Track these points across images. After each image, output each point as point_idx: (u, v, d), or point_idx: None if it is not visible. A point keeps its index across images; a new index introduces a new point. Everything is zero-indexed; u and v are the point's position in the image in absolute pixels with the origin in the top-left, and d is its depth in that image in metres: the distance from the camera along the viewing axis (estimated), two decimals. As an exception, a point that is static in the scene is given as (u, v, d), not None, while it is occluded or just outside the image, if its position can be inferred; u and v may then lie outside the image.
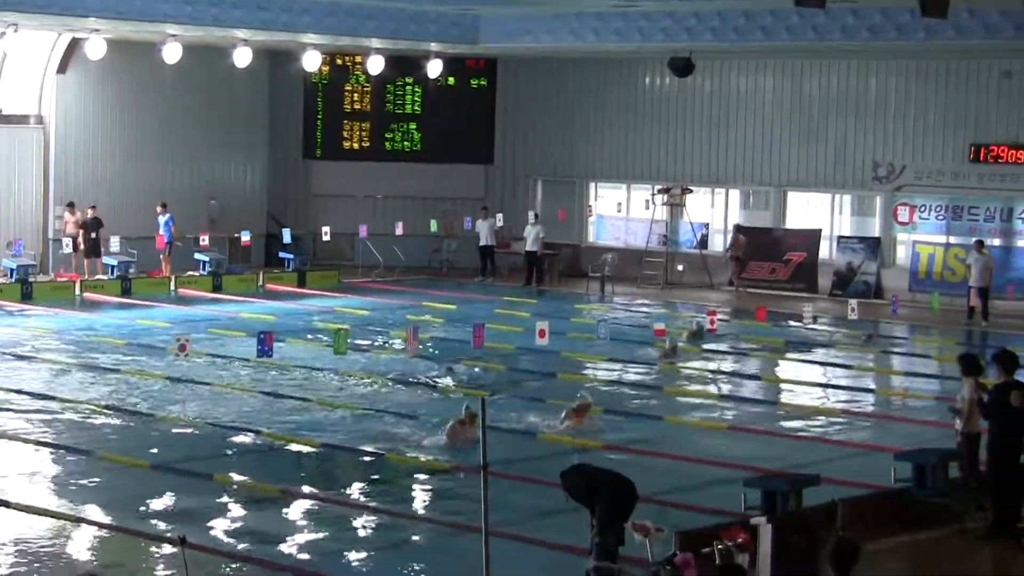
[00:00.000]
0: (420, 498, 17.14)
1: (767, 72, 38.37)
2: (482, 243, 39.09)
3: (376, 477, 17.88)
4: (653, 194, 39.52)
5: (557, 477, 13.37)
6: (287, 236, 37.75)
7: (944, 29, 29.78)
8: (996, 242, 34.82)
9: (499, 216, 39.37)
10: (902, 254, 36.80)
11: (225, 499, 16.58)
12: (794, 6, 16.63)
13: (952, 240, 35.56)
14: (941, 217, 35.82)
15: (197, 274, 36.32)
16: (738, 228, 38.45)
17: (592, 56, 39.01)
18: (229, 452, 18.94)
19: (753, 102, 38.70)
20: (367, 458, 18.57)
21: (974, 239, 33.75)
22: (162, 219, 36.31)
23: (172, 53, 33.97)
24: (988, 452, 15.78)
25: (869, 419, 21.84)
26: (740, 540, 11.97)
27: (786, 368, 26.38)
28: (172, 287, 35.37)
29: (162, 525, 15.30)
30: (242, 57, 35.33)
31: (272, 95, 41.61)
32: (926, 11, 17.29)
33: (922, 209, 36.07)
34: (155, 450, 18.69)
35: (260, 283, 36.59)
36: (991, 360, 16.44)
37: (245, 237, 37.74)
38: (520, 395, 22.65)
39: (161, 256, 36.31)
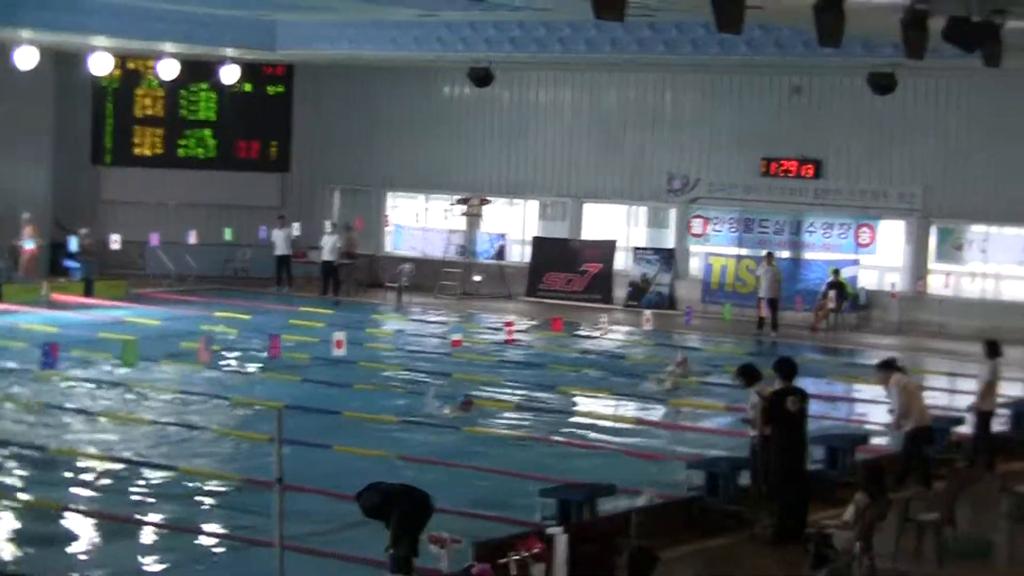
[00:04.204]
0: (212, 511, 16.74)
1: (565, 84, 38.63)
2: (278, 252, 38.59)
3: (165, 490, 17.43)
4: (451, 204, 39.48)
5: (352, 490, 13.19)
6: (73, 244, 36.66)
7: (737, 45, 30.33)
8: (785, 254, 35.55)
9: (295, 225, 38.91)
10: (695, 265, 37.35)
11: (5, 515, 16.01)
12: (593, 18, 16.61)
13: (743, 252, 36.19)
14: (733, 230, 36.42)
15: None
16: (346, 227, 39.24)
17: (391, 64, 38.83)
18: (9, 466, 18.29)
19: (551, 114, 38.94)
20: (156, 471, 18.11)
21: (764, 251, 34.43)
22: None
23: (-49, 53, 32.88)
24: (772, 458, 16.01)
25: (661, 428, 22.01)
26: (536, 550, 11.93)
27: (581, 378, 26.45)
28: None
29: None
30: (26, 58, 34.17)
31: (58, 98, 40.19)
32: (721, 26, 17.49)
33: (715, 221, 36.66)
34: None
35: (44, 292, 35.24)
36: (772, 369, 16.65)
37: (29, 245, 36.60)
38: (316, 407, 22.36)
39: None
